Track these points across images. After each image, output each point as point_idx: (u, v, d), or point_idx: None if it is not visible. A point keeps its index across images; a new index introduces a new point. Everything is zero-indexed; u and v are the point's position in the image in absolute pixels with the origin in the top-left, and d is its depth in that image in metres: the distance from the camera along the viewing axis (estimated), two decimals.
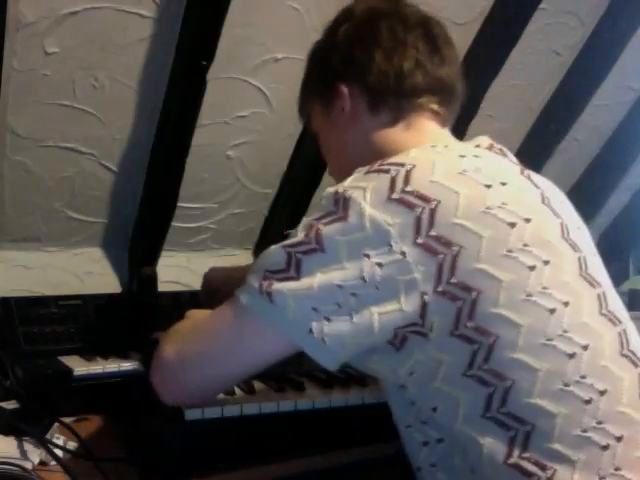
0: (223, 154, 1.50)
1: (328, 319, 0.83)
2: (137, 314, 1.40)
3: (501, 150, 1.00)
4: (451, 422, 0.86)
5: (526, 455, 0.82)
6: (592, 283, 0.91)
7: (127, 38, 1.24)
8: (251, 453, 1.05)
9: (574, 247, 0.91)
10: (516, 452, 0.82)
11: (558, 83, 1.82)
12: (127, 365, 1.22)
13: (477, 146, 0.99)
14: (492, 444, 0.83)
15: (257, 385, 1.14)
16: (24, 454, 1.00)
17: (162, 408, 1.01)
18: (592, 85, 1.85)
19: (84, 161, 1.38)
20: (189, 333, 0.95)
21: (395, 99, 0.99)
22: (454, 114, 1.05)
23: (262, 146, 1.53)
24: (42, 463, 1.00)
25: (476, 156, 0.92)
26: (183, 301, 1.46)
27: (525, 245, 0.85)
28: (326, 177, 1.62)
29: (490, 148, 0.99)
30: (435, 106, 1.01)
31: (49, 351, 1.24)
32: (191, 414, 1.00)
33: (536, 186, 0.95)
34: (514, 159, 1.01)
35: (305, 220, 0.88)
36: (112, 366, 1.21)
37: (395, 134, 1.00)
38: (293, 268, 0.84)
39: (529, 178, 0.96)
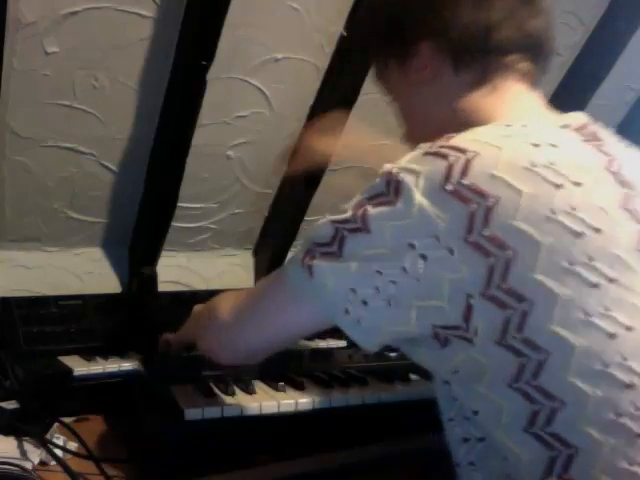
0: (223, 154, 1.50)
1: (365, 302, 0.80)
2: (137, 314, 1.40)
3: (595, 134, 0.88)
4: (492, 428, 0.82)
5: (566, 477, 0.77)
6: None
7: (127, 38, 1.24)
8: (251, 453, 1.05)
9: None
10: (555, 472, 0.77)
11: (558, 83, 1.81)
12: (127, 365, 1.22)
13: (565, 126, 0.87)
14: (531, 459, 0.79)
15: (257, 385, 1.14)
16: (24, 454, 1.00)
17: (162, 408, 1.01)
18: (592, 85, 1.85)
19: (84, 161, 1.38)
20: (240, 297, 0.97)
21: (482, 55, 0.91)
22: (545, 71, 0.96)
23: (262, 146, 1.52)
24: (42, 463, 1.00)
25: (553, 145, 0.81)
26: (183, 301, 1.46)
27: (590, 259, 0.76)
28: (326, 177, 1.62)
29: (581, 129, 0.87)
30: (525, 65, 0.92)
31: (49, 351, 1.24)
32: (191, 414, 1.01)
33: (622, 184, 0.83)
34: (609, 145, 0.87)
35: (356, 197, 0.83)
36: (112, 366, 1.21)
37: (479, 99, 0.92)
38: (337, 244, 0.81)
39: (617, 173, 0.83)
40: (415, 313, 0.80)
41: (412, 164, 0.79)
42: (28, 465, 0.98)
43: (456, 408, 0.87)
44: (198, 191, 1.53)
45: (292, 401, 1.10)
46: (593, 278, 0.76)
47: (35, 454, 1.01)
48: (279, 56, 1.39)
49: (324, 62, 1.44)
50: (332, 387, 1.18)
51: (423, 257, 0.77)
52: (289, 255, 1.68)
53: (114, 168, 1.42)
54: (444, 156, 0.78)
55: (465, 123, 0.86)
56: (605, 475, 0.76)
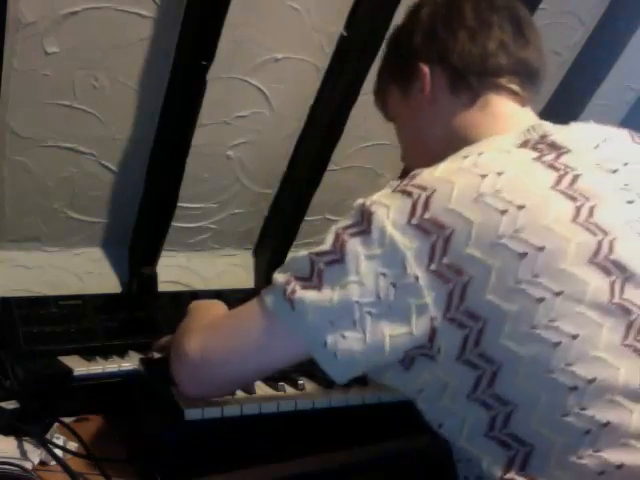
0: (223, 154, 1.50)
1: (343, 335, 0.85)
2: (137, 314, 1.40)
3: (554, 144, 0.92)
4: (456, 438, 0.89)
5: (523, 474, 0.84)
6: (628, 309, 0.84)
7: (127, 38, 1.24)
8: (251, 453, 1.05)
9: (609, 270, 0.84)
10: (514, 470, 0.85)
11: (558, 83, 1.82)
12: (127, 365, 1.22)
13: (525, 143, 0.92)
14: (492, 461, 0.86)
15: (257, 385, 1.14)
16: (24, 454, 1.00)
17: (162, 408, 1.01)
18: (592, 85, 1.85)
19: (84, 161, 1.38)
20: (213, 329, 0.96)
21: (477, 79, 0.98)
22: (536, 95, 1.03)
23: (262, 146, 1.52)
24: (42, 463, 1.00)
25: (499, 173, 0.85)
26: (183, 301, 1.45)
27: (535, 276, 0.82)
28: (326, 177, 1.62)
29: (540, 142, 0.91)
30: (515, 86, 1.00)
31: (49, 351, 1.24)
32: (191, 414, 1.00)
33: (573, 198, 0.86)
34: (569, 156, 0.90)
35: (335, 227, 0.88)
36: (112, 366, 1.21)
37: (472, 115, 0.99)
38: (316, 277, 0.86)
39: (568, 187, 0.86)
40: (388, 342, 0.85)
41: (383, 199, 0.87)
42: (28, 465, 0.98)
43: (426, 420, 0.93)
44: (198, 191, 1.53)
45: (292, 401, 1.10)
46: (538, 293, 0.82)
47: (35, 454, 1.01)
48: (279, 56, 1.39)
49: (324, 62, 1.45)
50: (332, 387, 1.18)
51: (393, 285, 0.83)
52: (288, 255, 1.68)
53: (114, 168, 1.42)
54: (409, 193, 0.85)
55: (458, 140, 0.94)
56: (559, 470, 0.84)
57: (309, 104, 1.51)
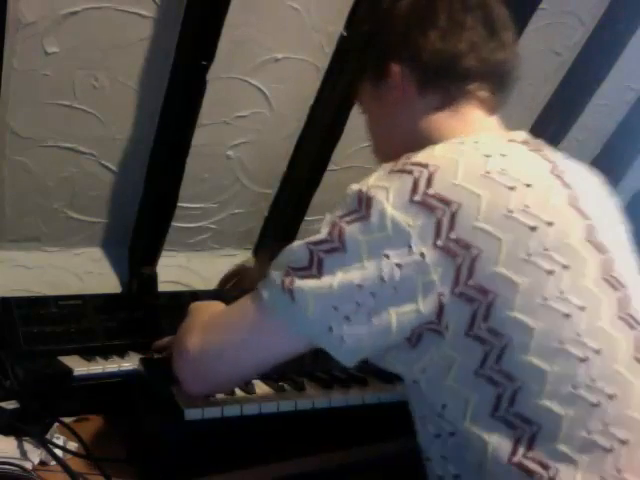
0: (223, 154, 1.50)
1: (348, 318, 0.84)
2: (137, 314, 1.40)
3: (537, 145, 0.98)
4: (460, 419, 0.87)
5: (530, 455, 0.83)
6: (615, 286, 0.89)
7: (127, 38, 1.24)
8: (251, 453, 1.05)
9: (600, 249, 0.90)
10: (521, 451, 0.84)
11: (558, 83, 1.82)
12: (127, 365, 1.22)
13: (511, 141, 0.97)
14: (498, 442, 0.85)
15: (257, 385, 1.14)
16: (24, 454, 1.00)
17: (162, 408, 1.01)
18: (592, 85, 1.85)
19: (84, 161, 1.38)
20: (212, 326, 0.96)
21: (446, 81, 0.98)
22: (506, 98, 1.04)
23: (262, 146, 1.52)
24: (42, 463, 1.00)
25: (503, 155, 0.90)
26: (183, 301, 1.45)
27: (545, 249, 0.84)
28: (326, 177, 1.62)
29: (525, 143, 0.97)
30: (485, 93, 1.00)
31: (49, 351, 1.24)
32: (191, 414, 1.00)
33: (566, 185, 0.93)
34: (550, 154, 0.98)
35: (329, 216, 0.88)
36: (112, 366, 1.21)
37: (441, 120, 0.99)
38: (315, 266, 0.85)
39: (560, 177, 0.93)
40: (395, 321, 0.84)
41: (380, 182, 0.86)
42: (28, 465, 0.98)
43: (428, 406, 0.91)
44: (198, 191, 1.53)
45: (292, 401, 1.10)
46: (548, 266, 0.84)
47: (35, 454, 1.01)
48: (279, 56, 1.39)
49: (324, 62, 1.45)
50: (332, 387, 1.18)
51: (398, 266, 0.83)
52: None
53: (114, 168, 1.42)
54: (409, 172, 0.85)
55: (426, 140, 0.94)
56: (566, 446, 0.83)
57: (309, 104, 1.51)
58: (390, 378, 1.24)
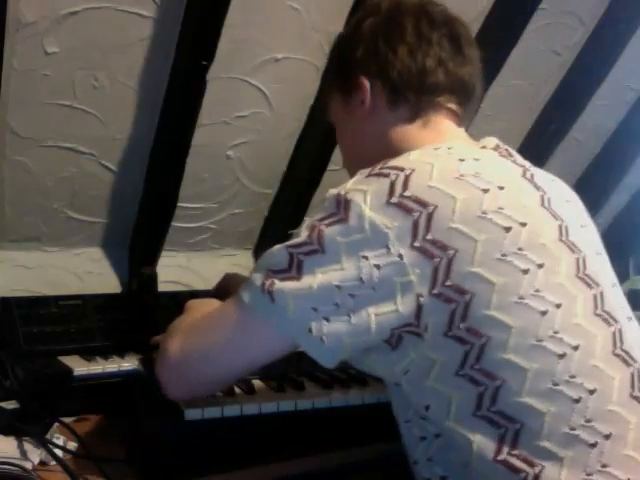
0: (223, 154, 1.50)
1: (327, 319, 0.85)
2: (137, 314, 1.40)
3: (507, 151, 1.00)
4: (443, 419, 0.88)
5: (515, 452, 0.84)
6: (589, 284, 0.92)
7: (127, 38, 1.24)
8: (251, 453, 1.05)
9: (573, 248, 0.92)
10: (505, 449, 0.84)
11: (558, 83, 1.82)
12: (127, 365, 1.22)
13: (483, 147, 1.00)
14: (482, 441, 0.85)
15: (257, 385, 1.14)
16: (24, 454, 1.00)
17: (162, 408, 1.01)
18: (592, 85, 1.85)
19: (84, 161, 1.38)
20: (193, 329, 0.96)
21: (415, 95, 1.00)
22: (471, 114, 1.08)
23: (262, 146, 1.53)
24: (42, 463, 1.00)
25: (476, 159, 0.92)
26: (183, 301, 1.44)
27: (520, 249, 0.86)
28: (326, 177, 1.62)
29: (496, 149, 0.99)
30: (453, 105, 1.02)
31: (49, 351, 1.24)
32: (191, 414, 1.01)
33: (537, 188, 0.95)
34: (520, 160, 1.01)
35: (308, 220, 0.89)
36: (112, 366, 1.21)
37: (412, 131, 1.01)
38: (295, 268, 0.86)
39: (531, 180, 0.96)
40: (374, 321, 0.85)
41: (358, 185, 0.88)
42: (28, 465, 0.98)
43: (412, 409, 0.92)
44: (198, 191, 1.53)
45: (292, 401, 1.10)
46: (523, 265, 0.86)
47: (35, 454, 1.01)
48: (279, 56, 1.39)
49: (324, 62, 1.44)
50: (332, 387, 1.18)
51: (377, 266, 0.84)
52: None
53: (114, 168, 1.42)
54: (386, 175, 0.87)
55: (397, 151, 0.95)
56: (550, 442, 0.84)
57: (309, 104, 1.51)
58: None
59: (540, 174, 1.00)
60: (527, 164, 1.01)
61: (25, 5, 1.14)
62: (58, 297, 1.36)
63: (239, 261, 1.69)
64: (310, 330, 0.85)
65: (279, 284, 0.85)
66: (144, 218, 1.50)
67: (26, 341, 1.24)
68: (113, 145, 1.38)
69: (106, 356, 1.25)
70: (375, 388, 1.19)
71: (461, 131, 1.04)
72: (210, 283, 1.60)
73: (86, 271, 1.50)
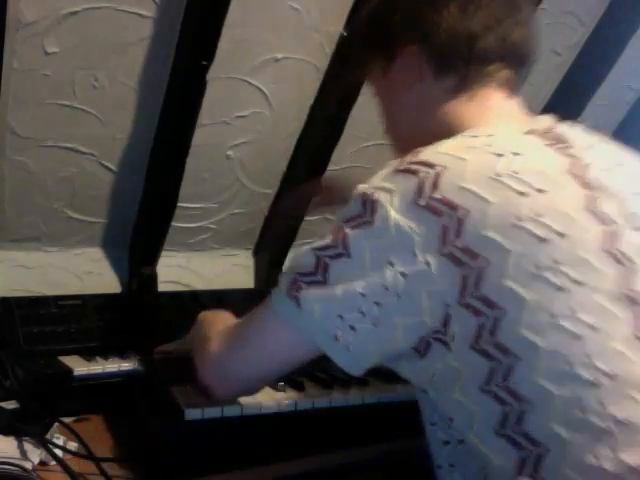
0: (223, 154, 1.50)
1: (353, 327, 0.83)
2: (137, 314, 1.40)
3: (559, 137, 0.89)
4: (466, 432, 0.84)
5: (536, 476, 0.79)
6: (636, 300, 0.80)
7: (127, 38, 1.24)
8: (251, 453, 1.05)
9: (620, 260, 0.81)
10: (526, 472, 0.79)
11: (558, 83, 1.81)
12: (127, 365, 1.22)
13: (531, 131, 0.90)
14: (503, 461, 0.81)
15: None
16: (24, 454, 1.00)
17: (162, 408, 1.01)
18: (592, 85, 1.85)
19: (84, 161, 1.38)
20: (229, 334, 0.97)
21: (463, 64, 0.93)
22: (525, 79, 0.98)
23: (262, 146, 1.52)
24: (42, 463, 1.00)
25: (516, 153, 0.83)
26: (183, 301, 1.46)
27: (556, 263, 0.78)
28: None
29: (547, 133, 0.89)
30: (504, 73, 0.94)
31: (49, 351, 1.24)
32: (191, 414, 1.00)
33: (586, 186, 0.84)
34: (575, 146, 0.89)
35: (336, 220, 0.87)
36: (112, 366, 1.21)
37: (457, 105, 0.94)
38: (320, 272, 0.84)
39: (580, 176, 0.85)
40: (401, 330, 0.82)
41: (385, 183, 0.83)
42: (28, 465, 0.98)
43: (437, 414, 0.90)
44: (198, 191, 1.53)
45: (292, 401, 1.10)
46: (559, 282, 0.78)
47: (35, 454, 1.00)
48: (279, 56, 1.39)
49: (324, 62, 1.44)
50: (332, 387, 1.18)
51: (403, 274, 0.80)
52: (289, 255, 1.68)
53: (114, 168, 1.42)
54: (414, 172, 0.81)
55: (441, 127, 0.90)
56: (574, 472, 0.77)
57: (309, 104, 1.51)
58: (390, 378, 1.24)
59: (600, 161, 0.89)
60: (586, 151, 0.89)
61: (25, 5, 1.13)
62: (58, 297, 1.35)
63: (239, 261, 1.69)
64: (336, 338, 0.83)
65: (305, 289, 0.84)
66: (144, 218, 1.49)
67: (26, 341, 1.24)
68: (113, 145, 1.38)
69: (106, 356, 1.25)
70: (375, 388, 1.19)
71: (512, 103, 0.96)
72: (210, 283, 1.61)
73: (86, 271, 1.50)
